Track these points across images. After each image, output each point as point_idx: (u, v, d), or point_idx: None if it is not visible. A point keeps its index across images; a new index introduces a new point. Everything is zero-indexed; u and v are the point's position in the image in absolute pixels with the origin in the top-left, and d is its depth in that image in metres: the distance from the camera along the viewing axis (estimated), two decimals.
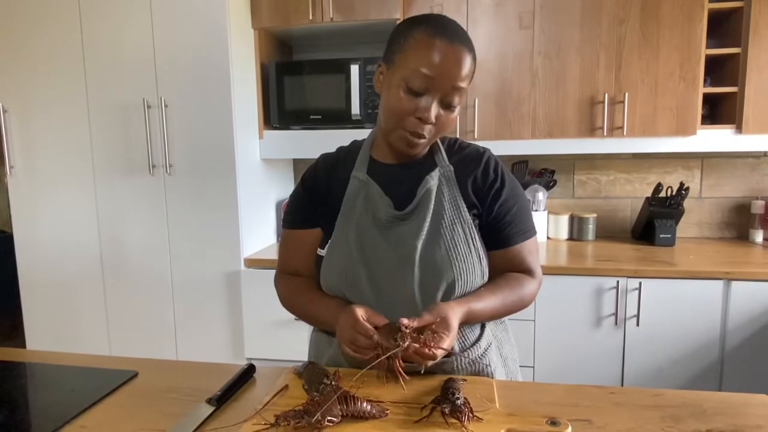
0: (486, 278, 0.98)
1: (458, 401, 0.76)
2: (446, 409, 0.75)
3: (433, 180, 0.96)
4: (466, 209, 0.95)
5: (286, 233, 1.08)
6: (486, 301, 0.93)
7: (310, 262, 1.04)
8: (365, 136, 1.09)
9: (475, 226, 0.96)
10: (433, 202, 0.94)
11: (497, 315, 0.97)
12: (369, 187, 0.97)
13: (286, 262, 1.09)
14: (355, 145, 1.07)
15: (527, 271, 1.00)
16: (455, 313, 0.86)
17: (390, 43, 0.93)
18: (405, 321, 0.81)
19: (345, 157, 1.04)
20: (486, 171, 0.98)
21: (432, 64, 0.86)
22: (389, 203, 0.95)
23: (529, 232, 1.00)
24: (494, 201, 0.97)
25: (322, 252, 1.00)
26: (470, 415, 0.75)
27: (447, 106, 0.90)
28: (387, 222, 0.95)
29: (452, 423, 0.74)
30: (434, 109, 0.89)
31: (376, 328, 0.84)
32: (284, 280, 1.09)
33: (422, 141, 0.92)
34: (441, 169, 0.97)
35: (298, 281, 1.06)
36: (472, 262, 0.94)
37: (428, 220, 0.94)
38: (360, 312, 0.86)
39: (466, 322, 0.92)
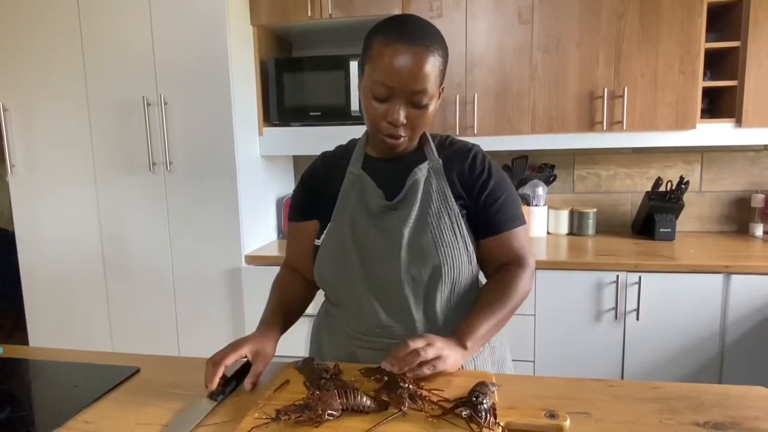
0: (473, 264, 1.01)
1: (480, 406, 0.74)
2: (464, 412, 0.74)
3: (422, 172, 1.01)
4: (453, 199, 1.00)
5: (289, 226, 1.15)
6: (484, 326, 0.94)
7: (309, 254, 1.08)
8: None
9: (462, 216, 1.00)
10: (420, 192, 0.99)
11: (499, 328, 0.99)
12: (363, 181, 1.02)
13: (289, 255, 1.16)
14: (353, 143, 1.11)
15: (518, 259, 1.02)
16: (446, 342, 0.88)
17: (362, 51, 0.96)
18: (386, 364, 0.84)
19: (343, 154, 1.09)
20: (473, 164, 1.02)
21: (388, 73, 0.89)
22: (381, 194, 1.01)
23: (519, 220, 1.03)
24: (482, 191, 1.01)
25: (318, 242, 1.05)
26: (492, 420, 0.73)
27: (415, 105, 0.92)
28: (378, 212, 1.00)
29: (473, 426, 0.73)
30: (402, 112, 0.92)
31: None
32: (280, 274, 1.16)
33: (400, 141, 0.97)
34: (430, 162, 1.02)
35: (281, 281, 1.13)
36: (458, 248, 0.98)
37: (416, 208, 0.98)
38: (239, 352, 0.91)
39: (470, 350, 0.92)
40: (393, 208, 0.99)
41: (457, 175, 1.01)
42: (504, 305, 0.98)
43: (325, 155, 1.12)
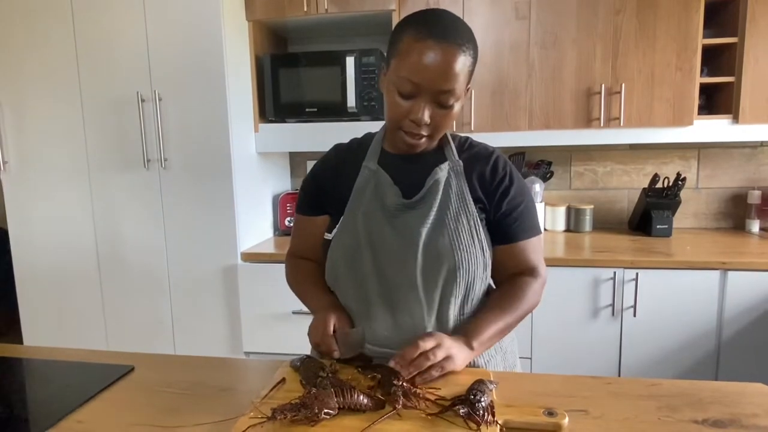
0: (488, 270, 0.99)
1: (478, 404, 0.74)
2: (462, 410, 0.73)
3: (442, 172, 0.98)
4: (472, 202, 0.97)
5: (297, 217, 1.13)
6: (491, 329, 0.94)
7: (316, 247, 1.08)
8: (361, 129, 1.12)
9: (480, 220, 0.97)
10: (440, 192, 0.97)
11: (505, 333, 0.99)
12: (379, 177, 1.00)
13: (296, 245, 1.15)
14: (369, 137, 1.09)
15: (531, 269, 1.01)
16: (454, 341, 0.89)
17: (389, 43, 0.93)
18: (395, 364, 0.84)
19: (357, 148, 1.07)
20: (495, 169, 1.00)
21: (416, 71, 0.86)
22: (398, 192, 0.98)
23: (535, 230, 1.02)
24: (503, 198, 0.98)
25: (329, 236, 1.03)
26: (490, 418, 0.73)
27: (441, 105, 0.90)
28: (394, 210, 0.97)
29: (471, 424, 0.73)
30: (427, 111, 0.89)
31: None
32: (292, 261, 1.15)
33: (421, 141, 0.94)
34: (450, 163, 0.99)
35: (302, 265, 1.13)
36: (475, 252, 0.95)
37: (434, 209, 0.96)
38: (332, 320, 0.94)
39: (475, 351, 0.92)
40: (410, 207, 0.97)
41: (477, 178, 0.99)
42: (513, 312, 0.97)
43: (339, 148, 1.09)
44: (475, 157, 1.01)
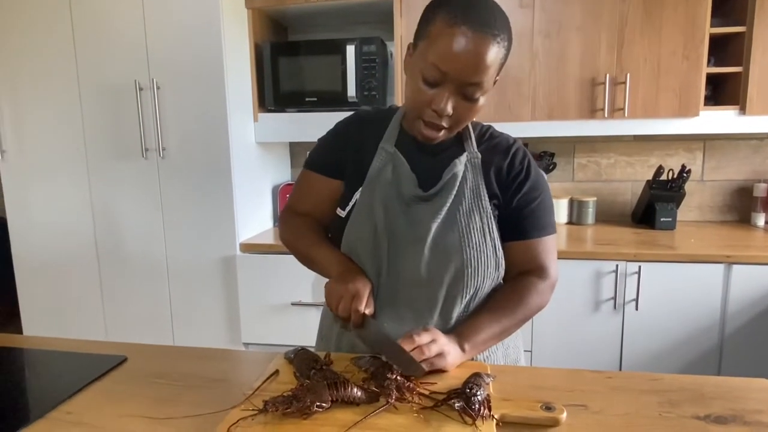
0: (501, 269, 0.96)
1: (474, 398, 0.72)
2: (457, 404, 0.71)
3: (460, 165, 0.95)
4: (487, 198, 0.94)
5: (306, 174, 1.05)
6: (486, 332, 0.91)
7: (322, 209, 1.03)
8: None
9: (494, 217, 0.94)
10: (456, 187, 0.93)
11: (503, 337, 0.96)
12: (395, 161, 0.96)
13: (298, 202, 1.07)
14: (392, 110, 1.03)
15: (540, 269, 0.97)
16: (448, 340, 0.87)
17: (419, 23, 0.88)
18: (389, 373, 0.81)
19: (382, 121, 1.01)
20: (512, 163, 0.96)
21: (445, 58, 0.80)
22: (414, 181, 0.95)
23: (548, 228, 0.97)
24: (516, 192, 0.95)
25: (341, 213, 0.98)
26: (486, 413, 0.71)
27: (466, 98, 0.85)
28: (409, 200, 0.94)
29: (466, 418, 0.71)
30: (450, 102, 0.84)
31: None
32: (292, 218, 1.07)
33: (440, 134, 0.89)
34: (469, 155, 0.96)
35: (305, 220, 1.05)
36: (486, 252, 0.92)
37: (448, 204, 0.93)
38: (367, 292, 0.88)
39: (467, 354, 0.90)
40: (425, 200, 0.93)
41: (494, 173, 0.95)
42: (512, 315, 0.93)
43: (361, 114, 1.03)
44: (494, 149, 0.97)
